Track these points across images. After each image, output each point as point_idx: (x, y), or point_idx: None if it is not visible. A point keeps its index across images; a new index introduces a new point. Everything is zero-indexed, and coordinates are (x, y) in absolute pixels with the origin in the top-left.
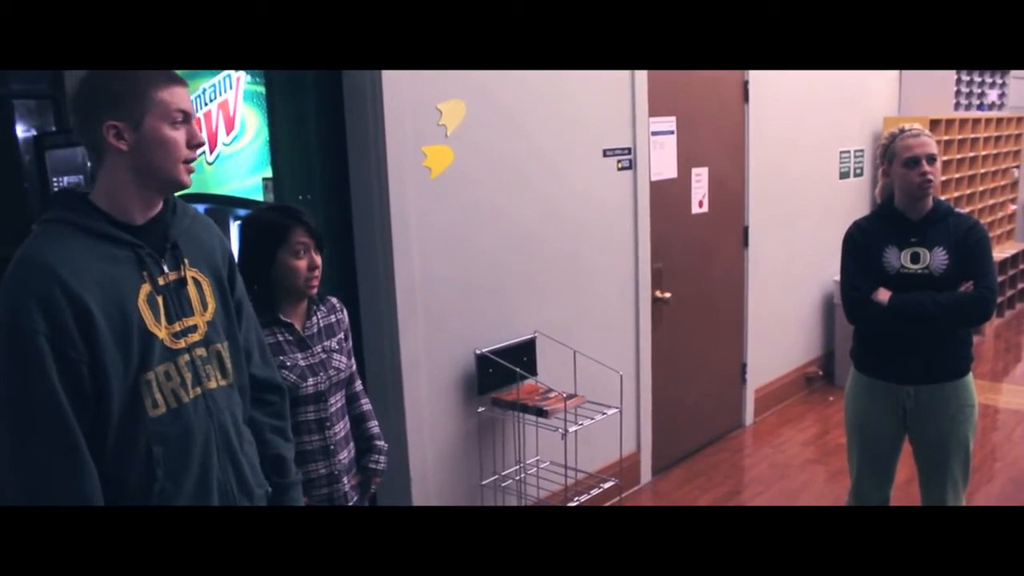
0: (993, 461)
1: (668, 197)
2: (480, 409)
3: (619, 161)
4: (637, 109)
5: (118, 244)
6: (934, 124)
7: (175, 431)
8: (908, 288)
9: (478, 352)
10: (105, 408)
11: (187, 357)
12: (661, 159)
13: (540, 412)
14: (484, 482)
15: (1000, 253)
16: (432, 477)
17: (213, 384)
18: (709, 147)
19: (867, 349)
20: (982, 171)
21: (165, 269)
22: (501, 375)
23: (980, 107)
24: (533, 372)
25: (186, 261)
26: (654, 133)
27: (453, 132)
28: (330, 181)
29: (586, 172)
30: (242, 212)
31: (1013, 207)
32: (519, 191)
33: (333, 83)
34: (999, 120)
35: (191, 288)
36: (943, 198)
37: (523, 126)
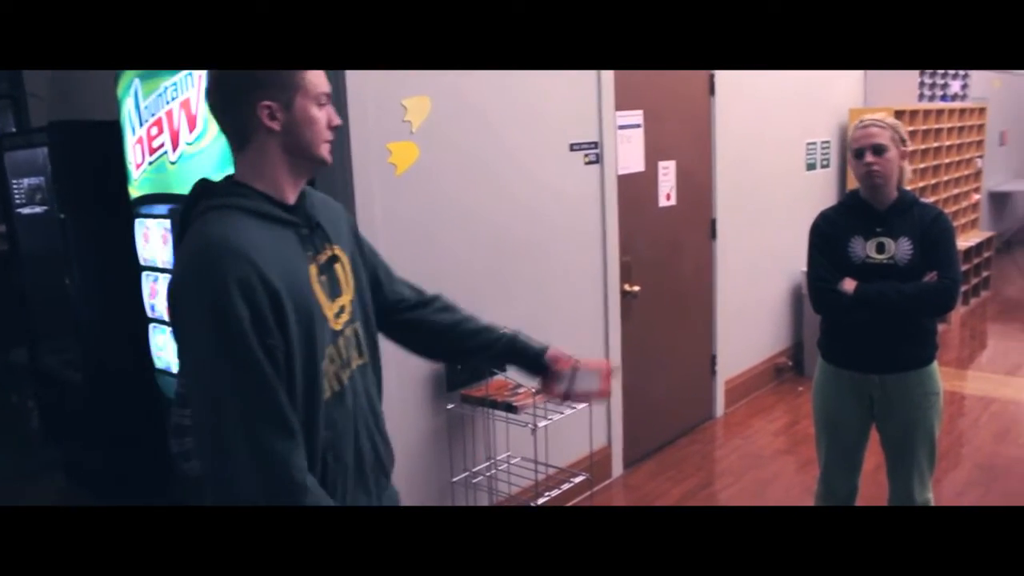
0: (960, 447)
1: (635, 190)
2: (450, 406)
3: (586, 155)
4: (603, 103)
5: (283, 224)
6: (898, 115)
7: (339, 415)
8: (873, 278)
9: None
10: (292, 396)
11: (342, 338)
12: (628, 153)
13: (509, 408)
14: (455, 479)
15: (965, 242)
16: (403, 475)
17: (354, 364)
18: (676, 140)
19: (833, 339)
20: (946, 161)
21: (321, 247)
22: (470, 371)
23: (943, 98)
24: (502, 368)
25: (330, 238)
26: (621, 127)
27: (418, 128)
28: None
29: (553, 167)
30: None
31: (977, 196)
32: (486, 187)
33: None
34: (962, 111)
35: (338, 266)
36: (909, 188)
37: (489, 121)
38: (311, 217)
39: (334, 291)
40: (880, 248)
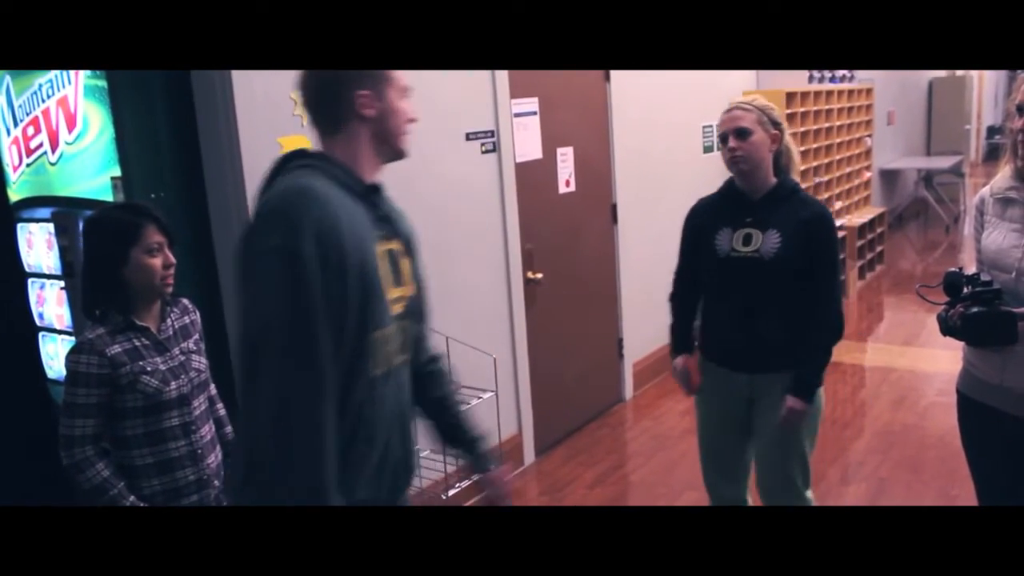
0: (862, 417)
1: (534, 178)
2: None
3: (483, 144)
4: (498, 91)
5: (361, 200)
6: (790, 97)
7: (386, 395)
8: (735, 273)
9: None
10: (338, 347)
11: (396, 326)
12: (525, 140)
13: None
14: None
15: (859, 218)
16: None
17: (398, 360)
18: (573, 127)
19: (708, 330)
20: (837, 141)
21: (390, 235)
22: None
23: (832, 79)
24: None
25: (399, 235)
26: (517, 115)
27: (309, 121)
28: (183, 177)
29: (450, 156)
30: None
31: (868, 174)
32: (382, 178)
33: (181, 75)
34: (851, 92)
35: (403, 260)
36: (801, 172)
37: None
38: (383, 206)
39: (397, 278)
40: (746, 240)
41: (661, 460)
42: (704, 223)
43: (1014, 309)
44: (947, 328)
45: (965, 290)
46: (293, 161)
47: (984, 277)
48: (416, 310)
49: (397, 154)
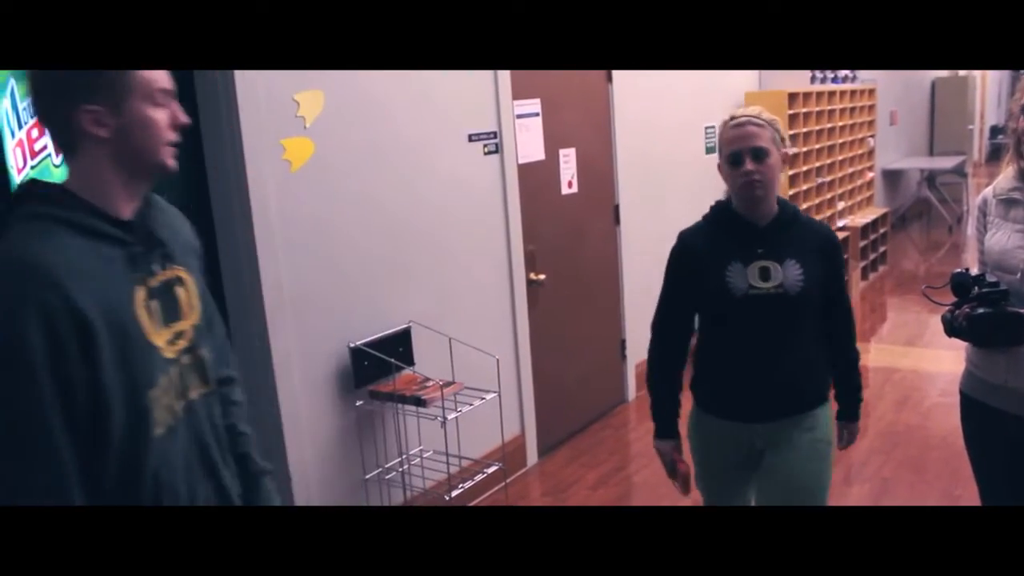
0: (865, 417)
1: (537, 179)
2: (358, 403)
3: (485, 145)
4: (500, 92)
5: (110, 242)
6: (792, 98)
7: (173, 448)
8: (761, 313)
9: (352, 345)
10: (102, 432)
11: (178, 367)
12: (528, 141)
13: (418, 401)
14: (367, 476)
15: (862, 219)
16: (313, 475)
17: (194, 394)
18: (575, 128)
19: (708, 382)
20: (840, 141)
21: (155, 269)
22: (377, 367)
23: (835, 80)
24: (409, 362)
25: (173, 258)
26: (519, 116)
27: (312, 123)
28: (187, 179)
29: (452, 158)
30: None
31: (871, 174)
32: (385, 180)
33: (184, 77)
34: (853, 92)
35: (179, 289)
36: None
37: (385, 114)
38: (151, 234)
39: (169, 316)
40: (764, 274)
41: None
42: (704, 259)
43: (1021, 310)
44: (952, 329)
45: (973, 291)
46: (24, 205)
47: (990, 278)
48: (205, 333)
49: (159, 170)
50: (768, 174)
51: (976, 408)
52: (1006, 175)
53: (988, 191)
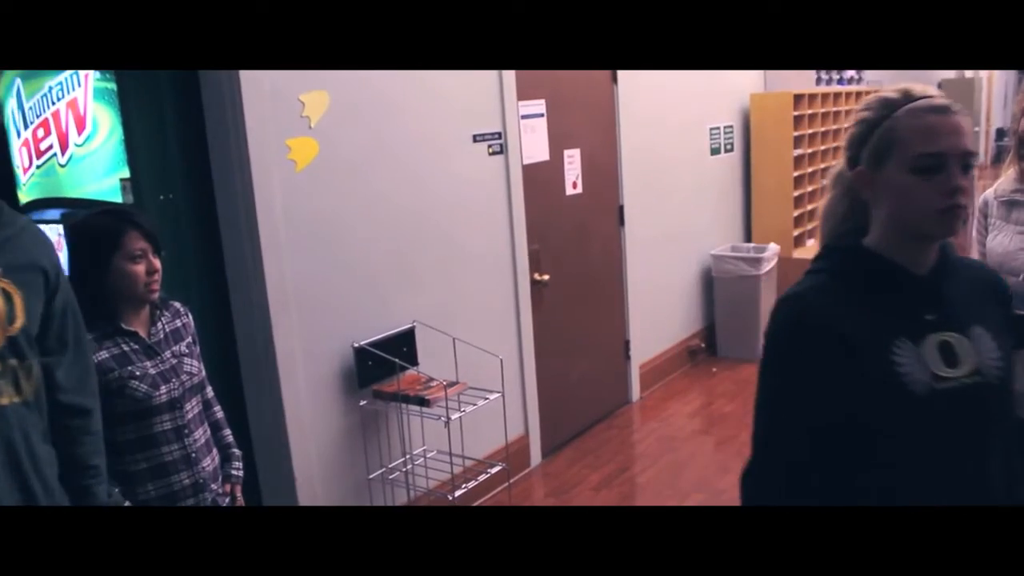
0: None
1: (541, 180)
2: (362, 403)
3: (490, 146)
4: (505, 93)
5: None
6: (798, 99)
7: None
8: (951, 418)
9: (356, 345)
10: None
11: None
12: (532, 142)
13: (422, 401)
14: (371, 476)
15: None
16: (318, 475)
17: (5, 400)
18: (580, 129)
19: None
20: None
21: None
22: (382, 367)
23: (840, 82)
24: (413, 362)
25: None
26: (524, 116)
27: (317, 123)
28: (192, 179)
29: (457, 158)
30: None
31: None
32: (389, 181)
33: (189, 78)
34: (858, 94)
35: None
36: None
37: (389, 114)
38: None
39: None
40: (947, 355)
41: (668, 462)
42: (849, 336)
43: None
44: None
45: None
46: None
47: None
48: (28, 347)
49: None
50: (973, 193)
51: None
52: (1008, 177)
53: (989, 193)
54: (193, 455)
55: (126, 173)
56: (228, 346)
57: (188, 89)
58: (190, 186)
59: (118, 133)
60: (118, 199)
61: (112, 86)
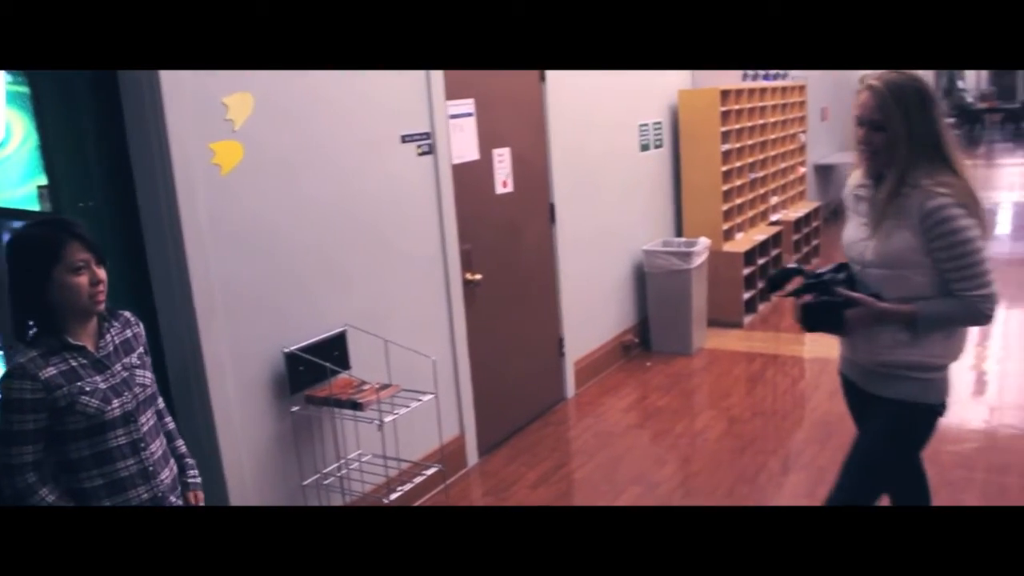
0: (801, 408)
1: (471, 179)
2: (294, 408)
3: (419, 146)
4: (434, 93)
5: None
6: (724, 95)
7: None
8: None
9: (286, 351)
10: None
11: None
12: (462, 142)
13: (355, 405)
14: (305, 482)
15: (795, 212)
16: (250, 483)
17: None
18: (509, 128)
19: None
20: (772, 137)
21: None
22: (313, 372)
23: (766, 77)
24: (345, 366)
25: None
26: (452, 116)
27: (241, 126)
28: (113, 186)
29: (386, 159)
30: (17, 224)
31: (803, 169)
32: (317, 183)
33: (107, 81)
34: (784, 89)
35: None
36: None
37: (316, 116)
38: None
39: None
40: None
41: (604, 457)
42: None
43: (839, 297)
44: (796, 319)
45: (800, 283)
46: None
47: (820, 270)
48: None
49: None
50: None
51: (845, 383)
52: (856, 173)
53: (847, 187)
54: (151, 468)
55: (43, 180)
56: (155, 354)
57: (106, 90)
58: (111, 192)
59: (33, 138)
60: (35, 207)
61: (25, 89)
